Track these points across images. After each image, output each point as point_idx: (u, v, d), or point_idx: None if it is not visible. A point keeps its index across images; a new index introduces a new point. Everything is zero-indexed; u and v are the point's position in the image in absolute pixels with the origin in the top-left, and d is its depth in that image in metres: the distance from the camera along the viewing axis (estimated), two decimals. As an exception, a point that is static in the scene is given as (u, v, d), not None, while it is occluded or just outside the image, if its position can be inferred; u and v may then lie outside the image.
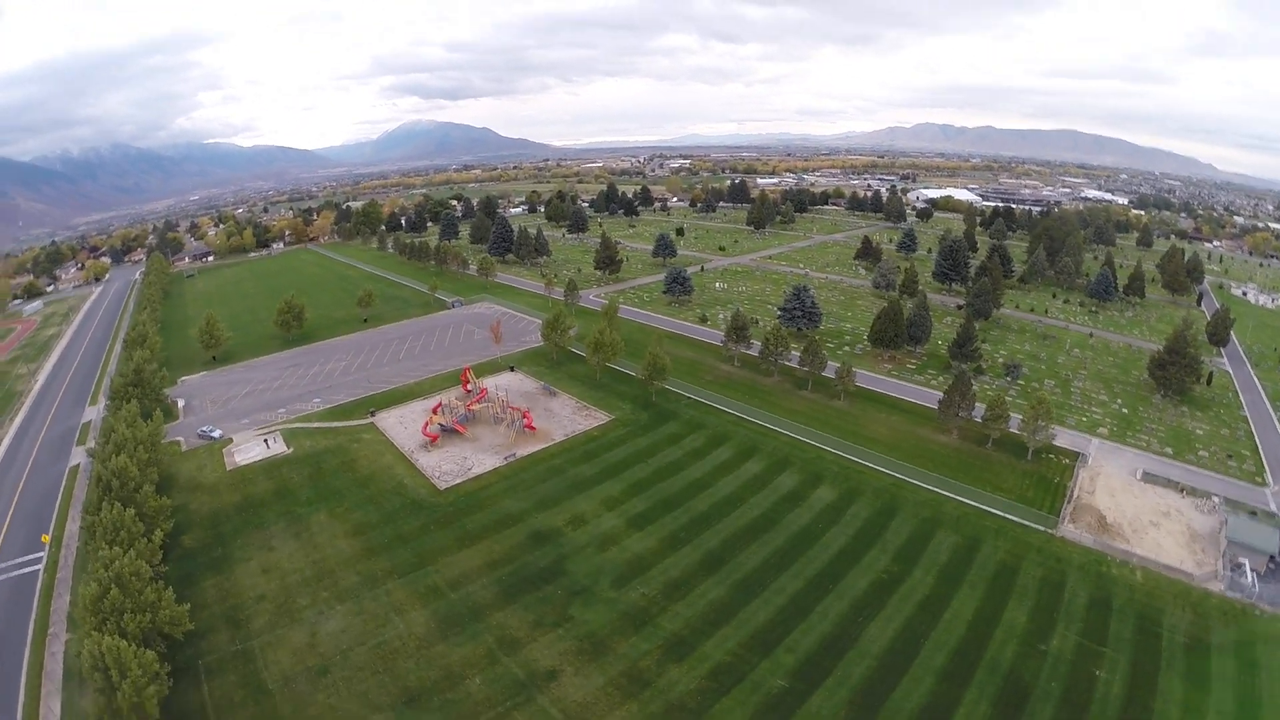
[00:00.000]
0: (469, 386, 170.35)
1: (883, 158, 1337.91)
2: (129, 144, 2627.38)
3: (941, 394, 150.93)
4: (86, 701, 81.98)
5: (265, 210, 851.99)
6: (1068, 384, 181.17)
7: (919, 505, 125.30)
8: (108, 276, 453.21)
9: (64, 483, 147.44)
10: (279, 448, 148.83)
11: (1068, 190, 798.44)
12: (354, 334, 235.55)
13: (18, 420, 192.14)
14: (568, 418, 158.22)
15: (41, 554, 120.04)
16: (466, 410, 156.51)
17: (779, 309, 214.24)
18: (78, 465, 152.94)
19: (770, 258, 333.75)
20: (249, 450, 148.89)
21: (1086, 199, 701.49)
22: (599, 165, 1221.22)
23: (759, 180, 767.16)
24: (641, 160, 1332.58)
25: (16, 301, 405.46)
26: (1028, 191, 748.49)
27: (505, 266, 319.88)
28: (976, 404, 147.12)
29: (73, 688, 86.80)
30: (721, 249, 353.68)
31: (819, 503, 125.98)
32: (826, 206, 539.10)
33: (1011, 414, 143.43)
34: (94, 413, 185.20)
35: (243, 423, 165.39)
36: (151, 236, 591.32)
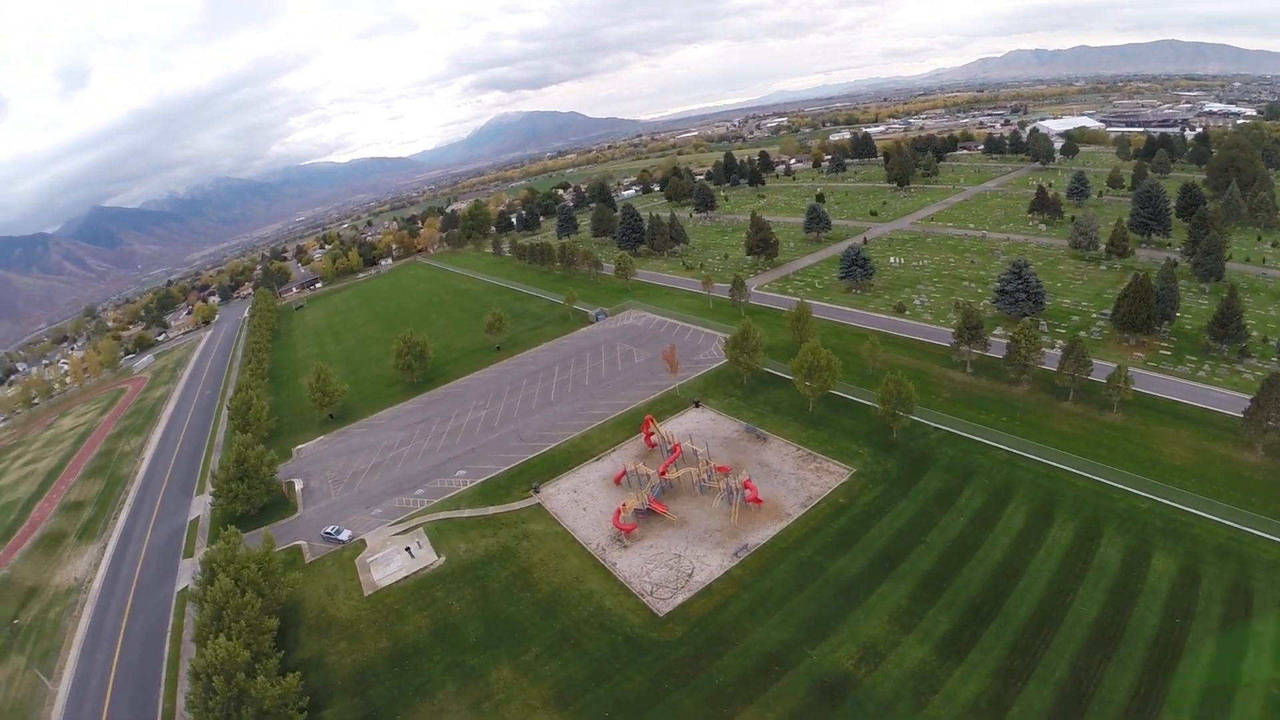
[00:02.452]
0: (654, 440, 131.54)
1: (982, 92, 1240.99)
2: (230, 176, 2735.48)
3: (1251, 397, 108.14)
4: None
5: (369, 224, 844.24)
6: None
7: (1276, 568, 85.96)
8: (217, 318, 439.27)
9: (171, 619, 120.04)
10: (426, 555, 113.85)
11: (1188, 106, 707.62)
12: (487, 368, 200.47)
13: (122, 518, 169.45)
14: (793, 474, 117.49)
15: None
16: (660, 479, 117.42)
17: (996, 290, 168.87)
18: (185, 589, 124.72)
19: (931, 220, 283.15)
20: (389, 562, 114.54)
21: (1211, 113, 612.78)
22: (694, 134, 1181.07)
23: (863, 130, 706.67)
24: (736, 124, 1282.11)
25: (128, 357, 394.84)
26: (1149, 112, 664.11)
27: (640, 260, 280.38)
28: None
29: None
30: (873, 214, 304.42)
31: (1161, 583, 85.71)
32: (960, 152, 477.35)
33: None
34: (201, 504, 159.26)
35: (374, 514, 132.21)
36: (258, 269, 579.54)
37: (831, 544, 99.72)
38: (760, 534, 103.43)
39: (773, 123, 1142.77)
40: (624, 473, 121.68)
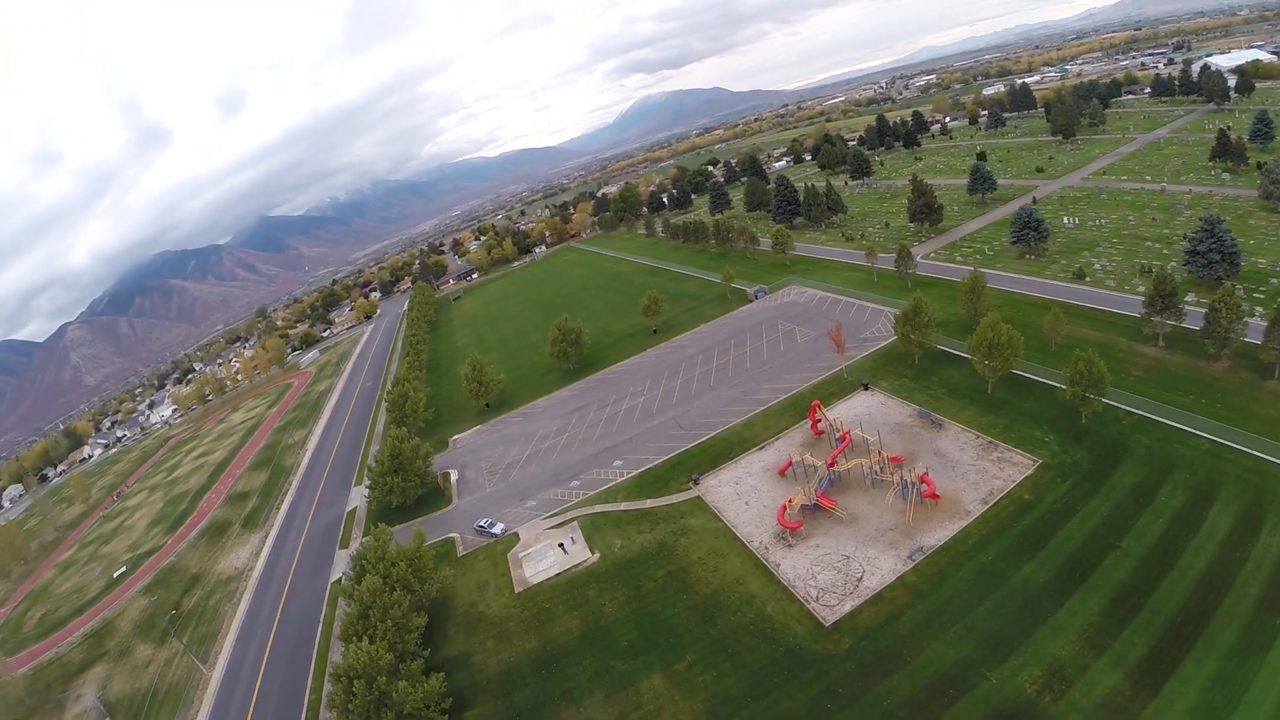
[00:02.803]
0: (821, 428, 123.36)
1: (1139, 29, 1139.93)
2: (386, 179, 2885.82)
3: None
4: None
5: (522, 213, 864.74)
6: None
7: None
8: (378, 312, 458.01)
9: (324, 610, 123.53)
10: (580, 552, 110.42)
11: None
12: (643, 353, 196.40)
13: (284, 508, 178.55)
14: (972, 466, 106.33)
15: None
16: (829, 470, 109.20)
17: (1186, 252, 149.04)
18: (339, 580, 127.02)
19: (1103, 173, 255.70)
20: (542, 558, 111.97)
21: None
22: (841, 99, 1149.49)
23: (1019, 80, 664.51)
24: (884, 85, 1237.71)
25: (295, 353, 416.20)
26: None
27: (797, 233, 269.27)
28: None
29: None
30: (1040, 170, 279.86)
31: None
32: (1125, 97, 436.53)
33: None
34: (359, 495, 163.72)
35: (528, 506, 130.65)
36: (416, 263, 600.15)
37: (1015, 547, 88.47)
38: (937, 534, 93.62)
39: (921, 81, 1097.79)
40: (790, 464, 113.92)
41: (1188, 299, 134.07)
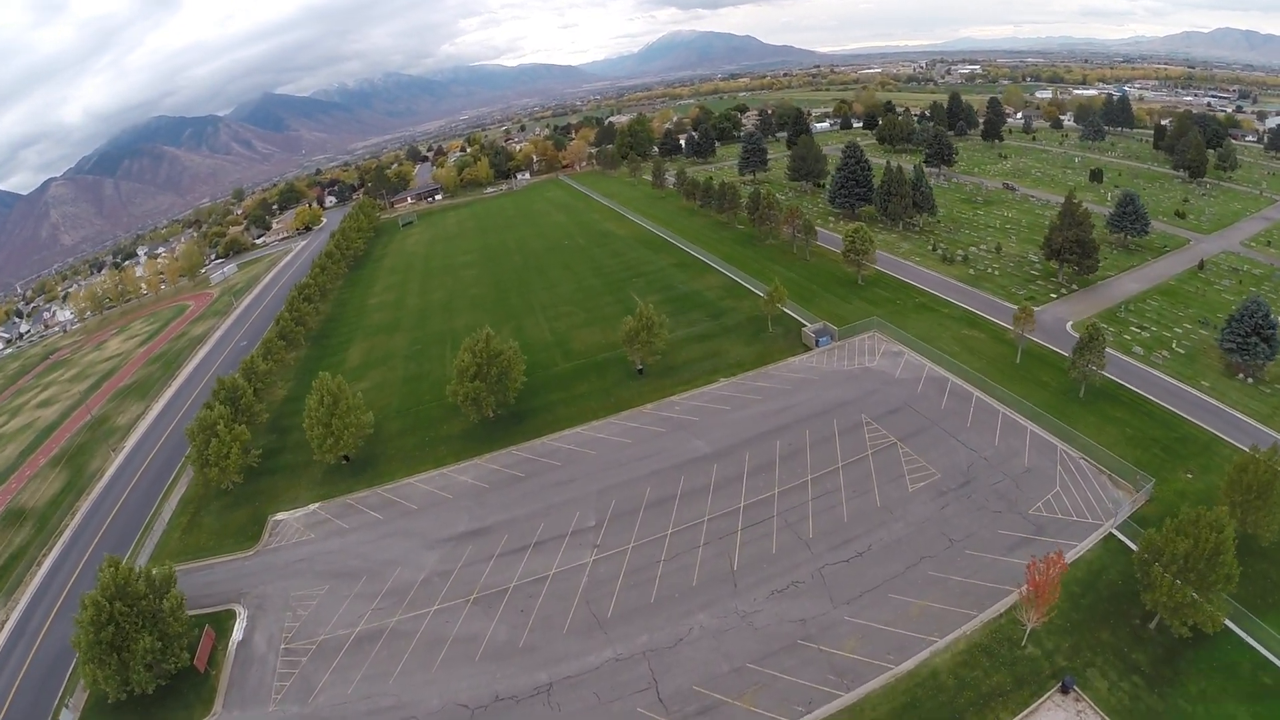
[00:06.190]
0: None
1: (1195, 69, 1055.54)
2: (399, 72, 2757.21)
3: None
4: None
5: (522, 128, 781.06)
6: None
7: None
8: (322, 223, 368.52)
9: None
10: None
11: None
12: (614, 417, 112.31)
13: (45, 568, 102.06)
14: None
15: None
16: None
17: None
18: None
19: (1266, 242, 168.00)
20: None
21: None
22: (877, 71, 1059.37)
23: (1074, 90, 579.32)
24: (924, 65, 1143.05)
25: (215, 262, 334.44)
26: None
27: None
28: None
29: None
30: (1179, 215, 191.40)
31: None
32: (1230, 141, 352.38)
33: None
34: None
35: None
36: (394, 165, 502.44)
37: None
38: None
39: (965, 69, 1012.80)
40: None
41: None
